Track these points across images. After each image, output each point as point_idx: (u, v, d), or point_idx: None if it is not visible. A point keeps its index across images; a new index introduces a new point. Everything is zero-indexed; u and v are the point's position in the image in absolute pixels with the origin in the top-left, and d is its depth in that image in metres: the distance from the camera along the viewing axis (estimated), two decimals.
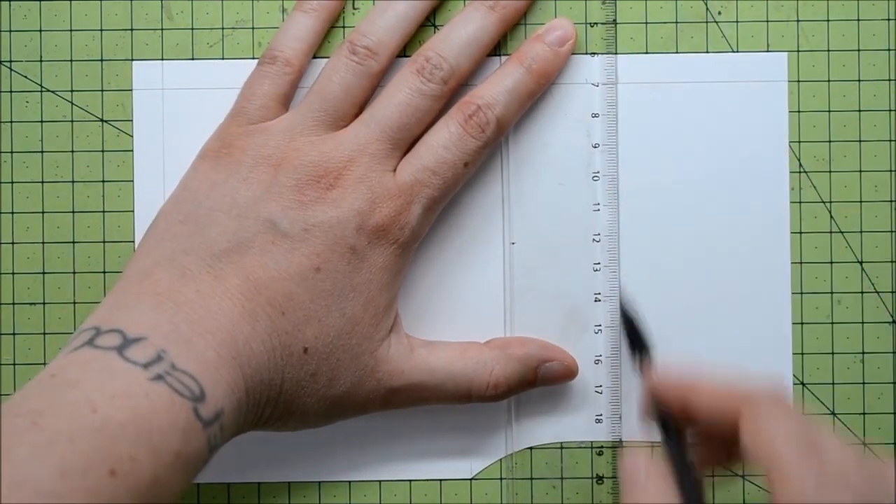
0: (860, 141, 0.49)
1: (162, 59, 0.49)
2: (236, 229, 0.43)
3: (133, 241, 0.49)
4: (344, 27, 0.49)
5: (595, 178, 0.49)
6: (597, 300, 0.49)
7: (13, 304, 0.49)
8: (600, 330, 0.49)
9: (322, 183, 0.44)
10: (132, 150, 0.49)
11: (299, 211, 0.43)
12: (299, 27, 0.48)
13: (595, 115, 0.49)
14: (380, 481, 0.49)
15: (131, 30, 0.49)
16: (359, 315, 0.44)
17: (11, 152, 0.49)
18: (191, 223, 0.44)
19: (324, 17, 0.48)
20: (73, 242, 0.49)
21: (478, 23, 0.47)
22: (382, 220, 0.44)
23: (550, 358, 0.47)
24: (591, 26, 0.49)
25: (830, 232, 0.49)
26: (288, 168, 0.44)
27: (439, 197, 0.46)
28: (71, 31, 0.49)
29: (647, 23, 0.49)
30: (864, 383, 0.49)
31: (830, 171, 0.49)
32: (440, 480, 0.49)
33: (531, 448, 0.49)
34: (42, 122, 0.49)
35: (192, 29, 0.49)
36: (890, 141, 0.49)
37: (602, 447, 0.49)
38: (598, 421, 0.49)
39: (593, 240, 0.49)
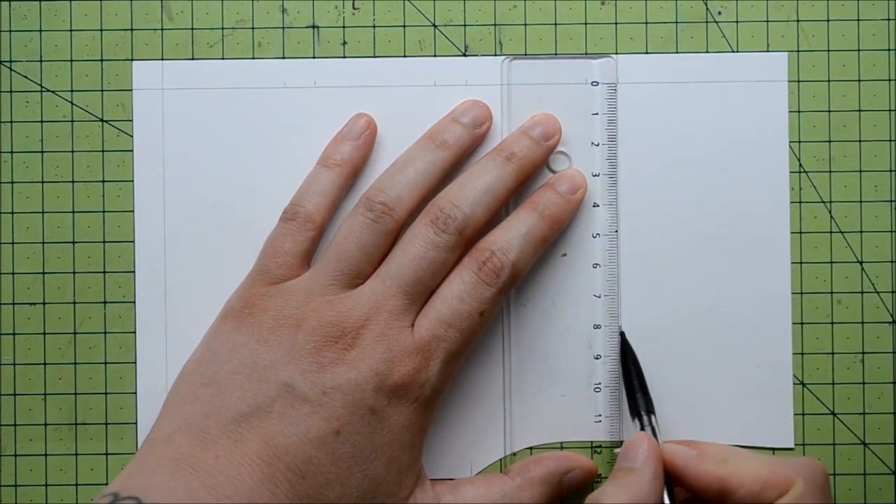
0: (860, 141, 0.49)
1: (162, 59, 0.49)
2: (255, 393, 0.43)
3: (133, 242, 0.49)
4: (344, 27, 0.49)
5: (595, 176, 0.49)
6: (596, 297, 0.49)
7: (13, 304, 0.49)
8: (599, 327, 0.49)
9: (340, 343, 0.43)
10: (132, 150, 0.49)
11: (318, 374, 0.43)
12: (322, 182, 0.47)
13: (595, 114, 0.49)
14: None
15: (131, 30, 0.49)
16: (381, 475, 0.43)
17: (11, 152, 0.49)
18: (212, 387, 0.43)
19: (347, 172, 0.48)
20: (73, 242, 0.49)
21: (493, 173, 0.46)
22: (401, 379, 0.43)
23: (569, 468, 0.47)
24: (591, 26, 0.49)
25: (830, 232, 0.49)
26: (307, 329, 0.44)
27: (457, 350, 0.45)
28: (71, 31, 0.49)
29: (647, 23, 0.49)
30: (864, 383, 0.49)
31: (830, 171, 0.49)
32: (440, 480, 0.49)
33: (531, 448, 0.49)
34: (42, 122, 0.49)
35: (192, 29, 0.49)
36: (890, 141, 0.49)
37: (601, 446, 0.49)
38: (598, 421, 0.49)
39: (592, 237, 0.49)
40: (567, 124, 0.48)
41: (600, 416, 0.49)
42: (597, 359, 0.49)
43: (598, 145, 0.49)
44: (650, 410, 0.46)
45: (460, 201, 0.45)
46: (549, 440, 0.49)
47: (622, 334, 0.47)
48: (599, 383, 0.49)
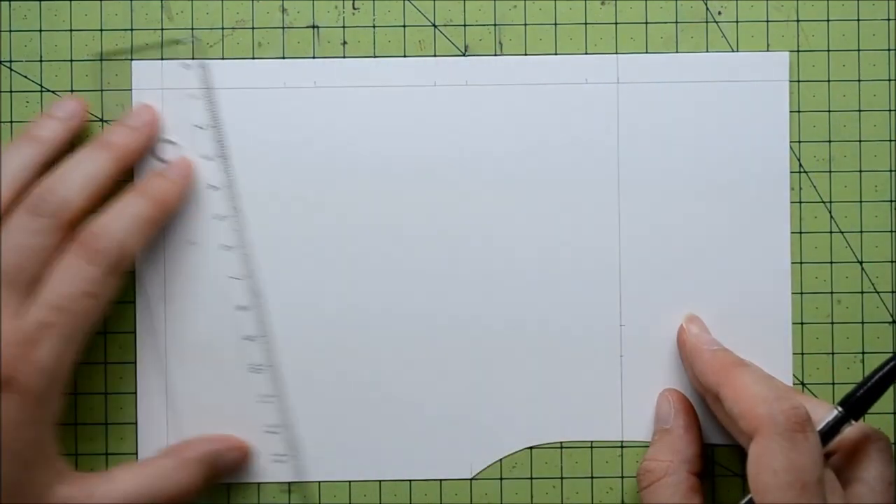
0: (860, 141, 0.49)
1: (162, 59, 0.49)
2: None
3: None
4: (344, 27, 0.49)
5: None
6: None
7: None
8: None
9: None
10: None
11: None
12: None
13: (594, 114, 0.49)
14: (380, 481, 0.49)
15: (131, 30, 0.49)
16: (9, 473, 0.42)
17: None
18: None
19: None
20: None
21: (90, 160, 0.46)
22: (7, 371, 0.43)
23: (225, 448, 0.48)
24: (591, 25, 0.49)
25: (830, 232, 0.49)
26: None
27: (69, 334, 0.44)
28: (71, 31, 0.49)
29: (647, 23, 0.49)
30: None
31: (830, 171, 0.49)
32: (440, 480, 0.49)
33: (531, 448, 0.49)
34: None
35: (192, 29, 0.49)
36: (890, 141, 0.49)
37: (601, 446, 0.49)
38: (597, 420, 0.49)
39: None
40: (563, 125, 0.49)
41: (599, 416, 0.49)
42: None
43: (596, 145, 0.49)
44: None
45: (55, 186, 0.45)
46: (549, 440, 0.49)
47: None
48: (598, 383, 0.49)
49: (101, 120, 0.49)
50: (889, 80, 0.49)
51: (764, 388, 0.43)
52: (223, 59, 0.49)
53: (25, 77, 0.49)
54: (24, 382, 0.43)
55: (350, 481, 0.49)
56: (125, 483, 0.45)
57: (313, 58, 0.49)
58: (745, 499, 0.43)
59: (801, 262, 0.49)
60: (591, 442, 0.49)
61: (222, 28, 0.49)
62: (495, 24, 0.49)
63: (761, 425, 0.42)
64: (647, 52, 0.49)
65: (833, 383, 0.49)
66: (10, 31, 0.49)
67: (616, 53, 0.49)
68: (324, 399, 0.49)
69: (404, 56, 0.49)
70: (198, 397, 0.49)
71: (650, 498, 0.46)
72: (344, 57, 0.49)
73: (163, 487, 0.46)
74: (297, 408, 0.49)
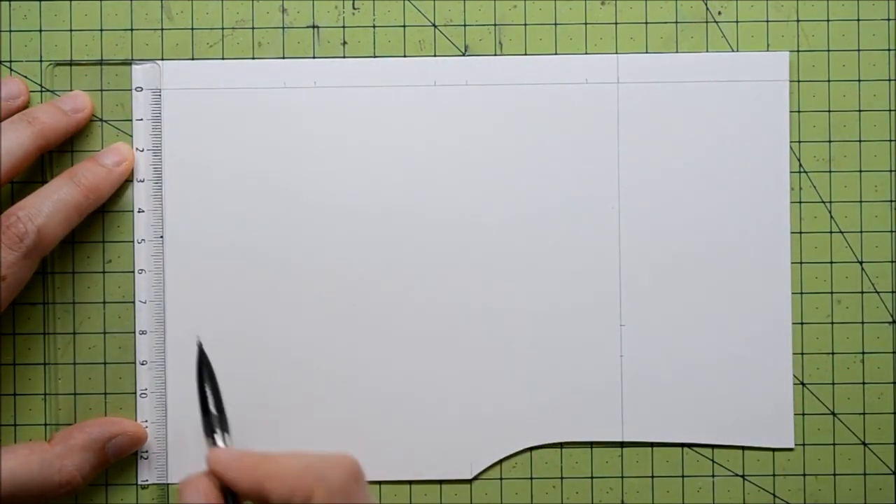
0: (860, 141, 0.49)
1: (162, 59, 0.49)
2: None
3: (132, 242, 0.49)
4: (344, 27, 0.49)
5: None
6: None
7: (13, 304, 0.49)
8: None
9: None
10: (132, 150, 0.49)
11: None
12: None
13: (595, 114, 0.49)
14: (380, 482, 0.49)
15: (131, 30, 0.49)
16: None
17: None
18: None
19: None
20: (73, 242, 0.49)
21: (10, 134, 0.46)
22: None
23: (113, 434, 0.47)
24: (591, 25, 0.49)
25: (830, 232, 0.49)
26: None
27: None
28: (71, 31, 0.49)
29: (647, 23, 0.49)
30: (864, 383, 0.49)
31: (830, 171, 0.49)
32: (440, 481, 0.49)
33: (531, 448, 0.49)
34: None
35: (192, 29, 0.49)
36: (890, 141, 0.49)
37: (601, 446, 0.49)
38: (597, 420, 0.49)
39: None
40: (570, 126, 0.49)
41: (597, 416, 0.49)
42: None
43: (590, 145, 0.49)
44: (224, 429, 0.44)
45: None
46: (549, 440, 0.49)
47: (199, 346, 0.45)
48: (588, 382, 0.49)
49: (102, 120, 0.49)
50: (889, 80, 0.49)
51: (302, 458, 0.41)
52: (223, 59, 0.49)
53: (25, 77, 0.49)
54: None
55: None
56: (8, 466, 0.45)
57: (313, 58, 0.49)
58: None
59: (801, 262, 0.49)
60: (591, 442, 0.49)
61: (222, 28, 0.49)
62: (495, 24, 0.49)
63: (316, 487, 0.40)
64: (647, 52, 0.49)
65: (833, 383, 0.49)
66: (10, 31, 0.49)
67: (616, 53, 0.49)
68: (324, 400, 0.49)
69: (404, 56, 0.49)
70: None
71: None
72: (344, 57, 0.49)
73: (45, 477, 0.45)
74: (298, 409, 0.49)
